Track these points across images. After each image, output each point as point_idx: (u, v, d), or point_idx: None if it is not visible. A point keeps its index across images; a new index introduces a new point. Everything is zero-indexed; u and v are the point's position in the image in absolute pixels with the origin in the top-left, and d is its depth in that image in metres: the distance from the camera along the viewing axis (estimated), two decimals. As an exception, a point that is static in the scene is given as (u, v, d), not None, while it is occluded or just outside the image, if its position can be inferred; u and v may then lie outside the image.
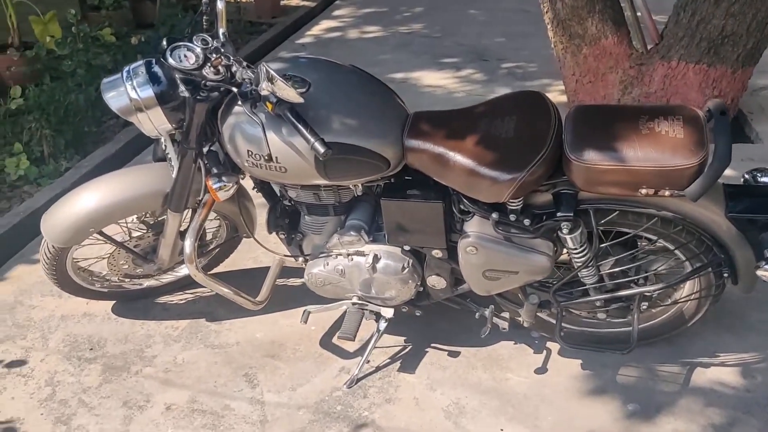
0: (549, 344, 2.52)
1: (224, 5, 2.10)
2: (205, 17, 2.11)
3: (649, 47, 4.05)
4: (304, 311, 2.45)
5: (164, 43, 2.01)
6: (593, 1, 3.81)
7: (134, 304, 2.79)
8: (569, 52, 4.13)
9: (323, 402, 2.33)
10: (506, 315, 2.38)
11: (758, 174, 2.09)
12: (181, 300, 2.82)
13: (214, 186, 2.12)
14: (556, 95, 4.64)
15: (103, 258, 2.61)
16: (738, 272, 2.08)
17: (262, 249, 2.98)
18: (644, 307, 2.23)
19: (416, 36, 5.93)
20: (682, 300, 2.23)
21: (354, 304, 2.37)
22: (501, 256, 2.07)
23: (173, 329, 2.67)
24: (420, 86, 4.87)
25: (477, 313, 2.42)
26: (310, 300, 2.69)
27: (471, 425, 2.23)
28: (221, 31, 2.09)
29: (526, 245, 2.06)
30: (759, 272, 1.98)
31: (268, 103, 1.83)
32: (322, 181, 2.06)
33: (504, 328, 2.38)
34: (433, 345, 2.54)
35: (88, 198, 2.32)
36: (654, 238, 2.08)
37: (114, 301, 2.80)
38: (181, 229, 2.45)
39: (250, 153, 2.01)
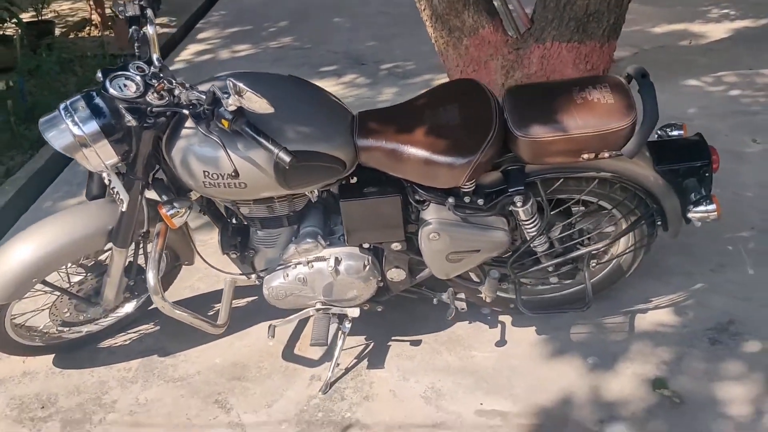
0: (501, 318, 2.65)
1: (155, 30, 2.06)
2: (136, 45, 2.07)
3: (521, 32, 4.30)
4: (270, 326, 2.43)
5: (99, 74, 1.95)
6: (466, -7, 4.00)
7: (77, 354, 2.65)
8: (451, 45, 4.30)
9: (303, 412, 2.34)
10: (462, 296, 2.48)
11: (669, 129, 2.32)
12: (126, 341, 2.72)
13: (169, 213, 2.07)
14: (440, 89, 4.82)
15: (42, 310, 2.48)
16: (668, 219, 2.28)
17: (197, 276, 2.97)
18: (593, 264, 2.40)
19: (289, 49, 5.95)
20: (623, 253, 2.41)
21: (318, 310, 2.39)
22: (462, 237, 2.16)
23: (126, 371, 2.57)
24: (307, 97, 4.89)
25: (434, 299, 2.51)
26: (262, 317, 2.70)
27: (451, 405, 2.31)
28: (155, 56, 2.05)
29: (483, 223, 2.17)
30: (689, 215, 2.20)
31: (223, 121, 1.83)
32: (280, 191, 2.07)
33: (463, 309, 2.48)
34: (394, 338, 2.60)
35: (26, 248, 2.19)
36: (594, 200, 2.25)
37: (53, 355, 2.65)
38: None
39: (207, 173, 1.99)
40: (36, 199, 3.89)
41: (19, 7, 5.77)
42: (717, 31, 5.34)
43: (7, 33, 5.60)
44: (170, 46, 6.28)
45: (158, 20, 7.03)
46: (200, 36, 6.48)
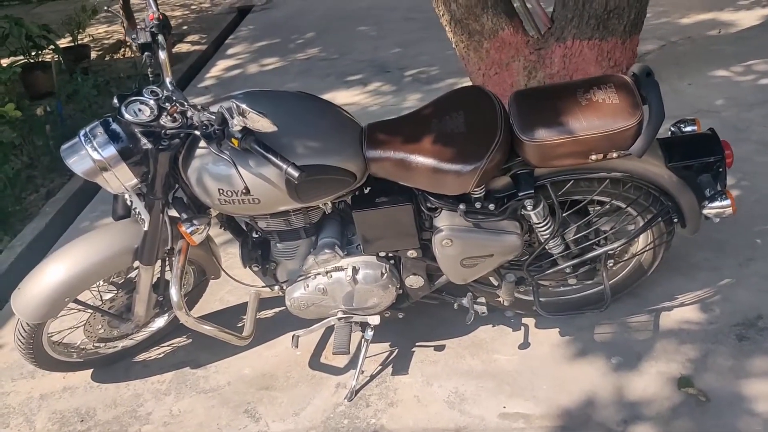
0: (524, 320, 2.66)
1: (167, 56, 2.14)
2: (150, 70, 2.15)
3: (542, 32, 4.29)
4: (293, 336, 2.49)
5: (115, 100, 2.03)
6: (483, -3, 4.01)
7: (113, 368, 2.75)
8: (471, 49, 4.32)
9: (329, 419, 2.38)
10: (483, 300, 2.50)
11: (682, 125, 2.31)
12: (160, 354, 2.81)
13: (188, 230, 2.15)
14: (466, 92, 4.83)
15: (77, 327, 2.58)
16: (685, 216, 2.27)
17: (226, 289, 3.04)
18: (610, 264, 2.40)
19: (315, 60, 6.02)
20: (641, 251, 2.41)
21: (339, 319, 2.43)
22: (474, 242, 2.19)
23: (160, 383, 2.66)
24: (334, 107, 4.96)
25: (455, 304, 2.53)
26: (289, 327, 2.74)
27: (474, 409, 2.33)
28: (168, 80, 2.13)
29: (495, 228, 2.19)
30: (705, 211, 2.19)
31: (233, 140, 1.89)
32: (295, 205, 2.12)
33: (483, 313, 2.50)
34: (418, 344, 2.64)
35: (58, 268, 2.29)
36: (607, 199, 2.25)
37: (92, 369, 2.75)
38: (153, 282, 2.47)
39: (221, 191, 2.06)
40: (74, 219, 4.02)
41: (56, 34, 5.98)
42: (748, 18, 5.24)
43: (45, 59, 5.80)
44: (201, 62, 6.43)
45: (190, 38, 7.21)
46: (230, 51, 6.60)
